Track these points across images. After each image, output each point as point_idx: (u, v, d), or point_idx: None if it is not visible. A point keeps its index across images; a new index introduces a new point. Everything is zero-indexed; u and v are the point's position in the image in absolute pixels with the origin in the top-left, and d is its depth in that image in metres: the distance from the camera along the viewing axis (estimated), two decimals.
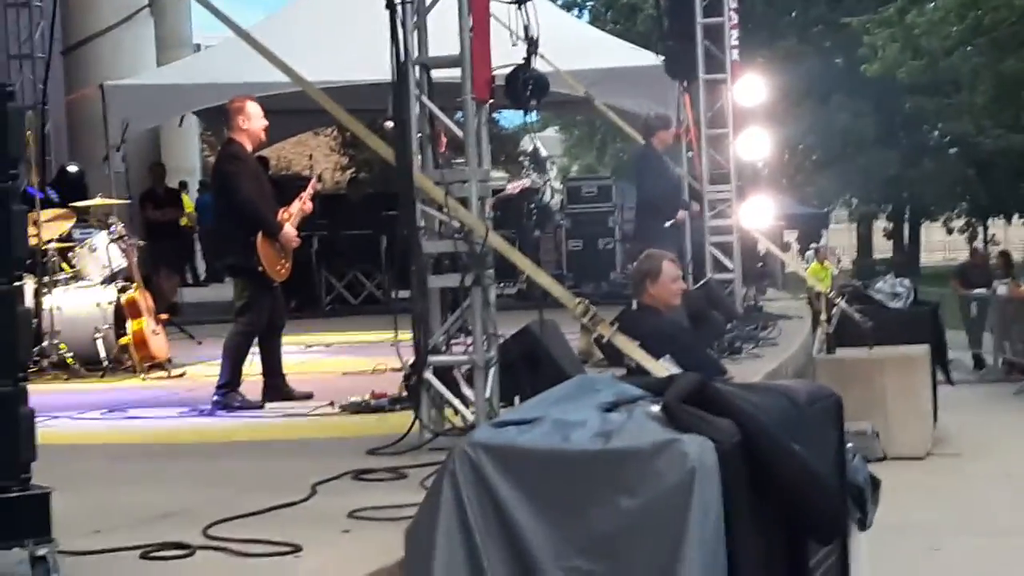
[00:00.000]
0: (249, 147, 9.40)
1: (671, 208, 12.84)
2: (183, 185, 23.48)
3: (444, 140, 8.13)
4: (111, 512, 5.78)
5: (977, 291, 24.02)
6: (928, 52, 33.98)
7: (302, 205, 9.61)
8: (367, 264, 18.27)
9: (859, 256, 49.97)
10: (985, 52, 34.26)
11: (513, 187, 15.86)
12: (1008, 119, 36.45)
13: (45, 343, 11.37)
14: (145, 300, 11.70)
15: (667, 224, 12.56)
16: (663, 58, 15.11)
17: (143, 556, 4.93)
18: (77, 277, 12.11)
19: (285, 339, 9.74)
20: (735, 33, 14.51)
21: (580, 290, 15.83)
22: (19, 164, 4.51)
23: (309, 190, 9.80)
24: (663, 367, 7.38)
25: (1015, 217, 52.39)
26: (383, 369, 10.32)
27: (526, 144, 42.86)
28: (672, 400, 4.31)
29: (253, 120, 9.34)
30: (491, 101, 7.29)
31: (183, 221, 21.60)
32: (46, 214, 12.12)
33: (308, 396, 9.40)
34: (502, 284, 15.90)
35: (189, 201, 22.57)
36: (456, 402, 7.17)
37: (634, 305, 8.96)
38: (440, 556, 4.15)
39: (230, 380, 9.17)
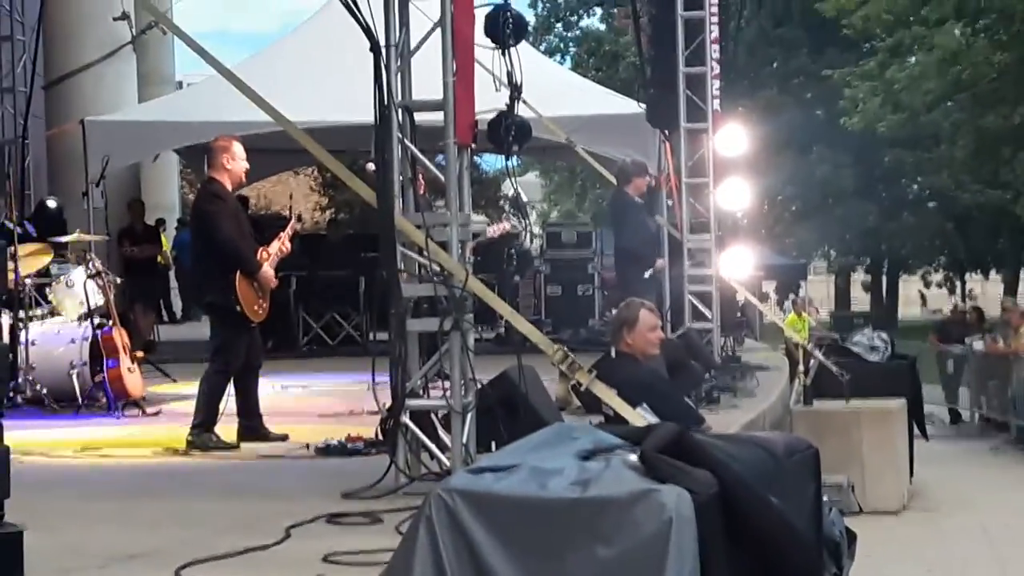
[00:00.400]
0: (230, 186, 9.39)
1: (649, 256, 12.86)
2: (160, 223, 23.44)
3: (423, 183, 8.12)
4: (83, 551, 5.73)
5: (955, 346, 24.10)
6: (908, 107, 34.20)
7: (281, 245, 9.60)
8: (345, 305, 18.22)
9: (837, 308, 50.07)
10: (965, 107, 34.49)
11: (493, 230, 15.84)
12: (987, 174, 36.68)
13: (20, 379, 11.29)
14: (121, 337, 11.64)
15: (645, 275, 12.57)
16: (644, 106, 15.15)
17: None
18: (53, 312, 12.05)
19: (261, 379, 9.69)
20: (717, 83, 14.56)
21: (558, 336, 15.82)
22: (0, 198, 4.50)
23: (288, 230, 9.79)
24: (640, 416, 7.37)
25: (992, 272, 52.61)
26: (360, 412, 10.28)
27: (506, 189, 42.92)
28: (650, 450, 4.30)
29: (238, 160, 9.34)
30: (473, 145, 7.30)
31: (159, 259, 21.55)
32: (24, 248, 12.06)
33: (283, 438, 9.36)
34: (481, 329, 15.82)
35: (166, 239, 22.53)
36: (433, 447, 7.14)
37: (612, 353, 8.94)
38: None
39: (205, 419, 9.12)
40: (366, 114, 7.34)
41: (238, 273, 9.08)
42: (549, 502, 4.15)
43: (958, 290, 54.44)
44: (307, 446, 8.87)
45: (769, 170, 38.17)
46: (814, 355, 14.47)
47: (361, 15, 6.93)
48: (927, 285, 54.83)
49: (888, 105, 34.59)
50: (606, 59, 50.10)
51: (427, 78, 7.40)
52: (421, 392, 7.34)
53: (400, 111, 7.26)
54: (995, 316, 26.27)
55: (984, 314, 26.93)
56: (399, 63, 7.28)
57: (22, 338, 11.43)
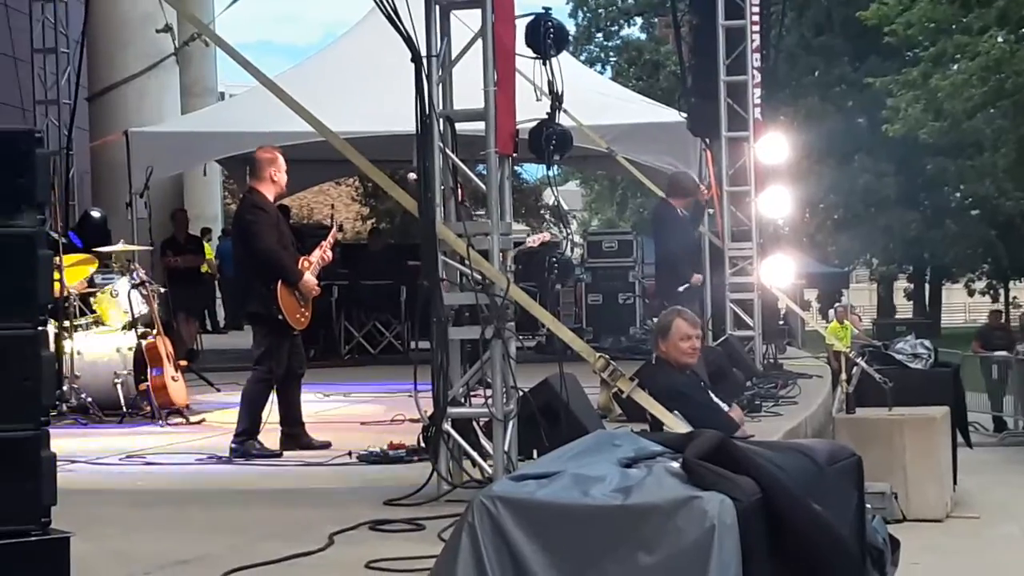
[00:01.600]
0: (271, 197, 9.45)
1: (687, 269, 12.81)
2: (205, 232, 23.58)
3: (463, 191, 8.16)
4: (129, 558, 5.78)
5: (998, 353, 23.96)
6: (951, 114, 34.02)
7: (322, 254, 9.64)
8: (386, 314, 18.30)
9: (879, 316, 49.84)
10: (1008, 115, 34.28)
11: (534, 240, 15.85)
12: None
13: (65, 387, 11.38)
14: (165, 346, 11.72)
15: (681, 288, 12.54)
16: (685, 115, 15.15)
17: None
18: (98, 322, 12.14)
19: (303, 388, 9.74)
20: (758, 91, 14.55)
21: (600, 345, 15.84)
22: (45, 209, 4.54)
23: (330, 239, 9.84)
24: (683, 423, 7.36)
25: None
26: (402, 420, 10.31)
27: (547, 197, 42.94)
28: (692, 457, 4.29)
29: (282, 171, 9.42)
30: (514, 155, 7.33)
31: (203, 268, 21.65)
32: (69, 259, 12.16)
33: (326, 445, 9.40)
34: (522, 337, 15.89)
35: (210, 249, 22.64)
36: (475, 454, 7.16)
37: (653, 360, 8.95)
38: None
39: (248, 428, 9.17)
40: (407, 124, 7.37)
41: (280, 282, 9.14)
42: (591, 509, 4.15)
43: (1001, 298, 54.06)
44: (349, 453, 8.90)
45: (811, 178, 38.13)
46: (857, 363, 14.41)
47: (402, 25, 6.97)
48: (970, 293, 54.48)
49: (930, 112, 34.43)
50: (647, 68, 50.10)
51: (468, 88, 7.43)
52: (463, 400, 7.36)
53: (441, 121, 7.29)
54: None
55: None
56: (440, 73, 7.31)
57: (67, 348, 11.52)
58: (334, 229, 10.27)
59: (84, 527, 5.11)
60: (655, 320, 9.92)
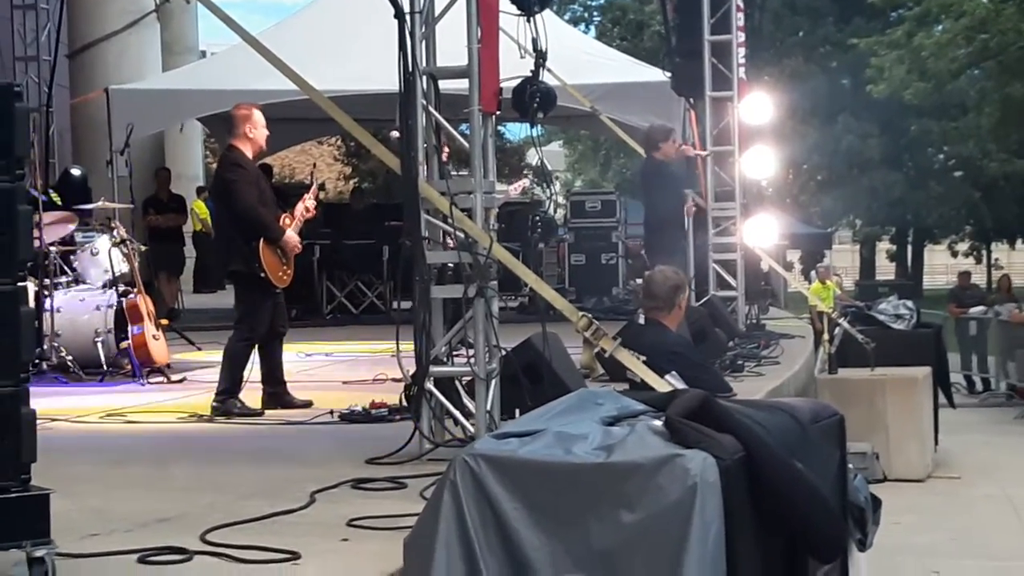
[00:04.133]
0: (250, 154, 9.37)
1: (679, 222, 12.71)
2: (201, 191, 23.51)
3: (447, 151, 8.11)
4: (109, 516, 5.76)
5: (974, 310, 24.05)
6: (935, 74, 34.02)
7: (303, 209, 9.58)
8: (369, 274, 18.29)
9: (862, 277, 49.96)
10: (992, 75, 34.31)
11: (514, 188, 15.82)
12: (1014, 143, 36.51)
13: (45, 346, 11.34)
14: (146, 305, 11.68)
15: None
16: (670, 75, 15.11)
17: (140, 560, 4.90)
18: (78, 280, 12.09)
19: (285, 347, 9.72)
20: (742, 51, 14.52)
21: (582, 305, 15.82)
22: (24, 164, 4.50)
23: (310, 195, 9.78)
24: (666, 382, 7.36)
25: (1019, 241, 52.40)
26: (384, 379, 10.30)
27: (530, 157, 42.89)
28: (674, 415, 4.29)
29: (259, 128, 9.33)
30: (498, 113, 7.29)
31: (197, 227, 21.60)
32: (49, 216, 12.10)
33: (308, 404, 9.38)
34: (505, 296, 15.90)
35: (205, 208, 22.49)
36: (457, 413, 7.15)
37: (640, 319, 8.93)
38: (439, 566, 4.13)
39: (230, 387, 9.15)
40: (391, 82, 7.32)
41: (261, 240, 9.10)
42: (573, 467, 4.15)
43: (984, 260, 54.23)
44: (331, 412, 8.88)
45: (794, 139, 38.13)
46: (839, 323, 14.44)
47: None
48: (954, 255, 54.63)
49: (914, 72, 34.43)
50: (631, 28, 49.96)
51: (452, 45, 7.38)
52: (445, 359, 7.34)
53: (425, 78, 7.24)
54: (1022, 285, 26.18)
55: (1011, 282, 26.87)
56: (424, 30, 7.25)
57: (47, 305, 11.48)
58: (314, 185, 10.21)
59: (64, 485, 5.09)
60: (638, 280, 9.90)
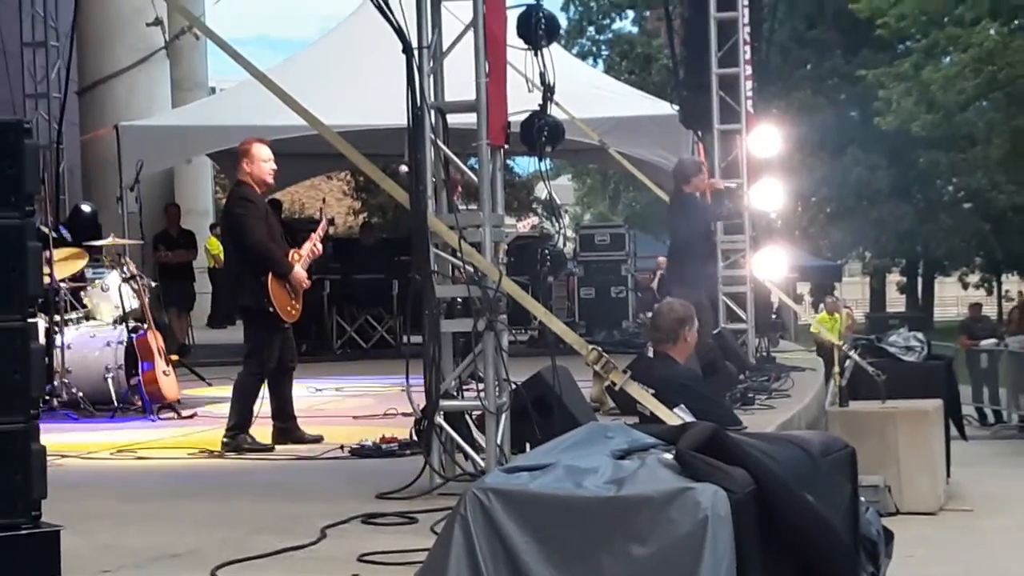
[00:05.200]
0: (259, 190, 9.40)
1: (702, 255, 12.53)
2: (214, 228, 23.54)
3: (459, 188, 8.13)
4: (120, 552, 5.75)
5: (986, 342, 24.01)
6: (943, 106, 34.06)
7: (312, 246, 9.61)
8: (378, 308, 18.29)
9: (872, 309, 49.87)
10: (1000, 107, 34.32)
11: (523, 224, 15.84)
12: (1022, 175, 36.47)
13: (56, 382, 11.35)
14: (156, 341, 11.69)
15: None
16: (678, 108, 15.12)
17: None
18: (89, 317, 12.11)
19: (295, 382, 9.71)
20: (750, 84, 14.54)
21: (592, 338, 15.80)
22: (34, 201, 4.51)
23: (319, 231, 9.80)
24: (676, 416, 7.35)
25: None
26: (394, 413, 10.29)
27: (539, 191, 42.93)
28: (685, 448, 4.28)
29: (256, 163, 9.30)
30: (506, 147, 7.30)
31: (211, 263, 21.62)
32: (59, 253, 12.13)
33: (318, 439, 9.37)
34: (514, 330, 15.86)
35: (219, 244, 22.50)
36: (467, 448, 7.14)
37: (649, 352, 8.92)
38: None
39: (240, 422, 9.14)
40: (399, 117, 7.34)
41: (270, 275, 9.11)
42: (584, 500, 4.14)
43: (995, 291, 54.13)
44: (342, 447, 8.88)
45: (803, 171, 38.15)
46: (850, 356, 14.41)
47: (393, 17, 6.93)
48: (964, 287, 54.53)
49: (923, 105, 34.48)
50: (639, 62, 50.09)
51: (460, 80, 7.40)
52: (455, 393, 7.34)
53: (433, 112, 7.26)
54: None
55: (1022, 313, 26.84)
56: (432, 64, 7.28)
57: (57, 342, 11.49)
58: (323, 222, 10.23)
59: (75, 521, 5.08)
60: (647, 313, 9.88)
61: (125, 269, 12.05)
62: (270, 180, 9.50)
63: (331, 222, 11.42)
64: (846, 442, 5.34)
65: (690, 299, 9.39)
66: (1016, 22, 32.93)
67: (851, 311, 31.35)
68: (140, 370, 11.48)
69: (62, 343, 11.53)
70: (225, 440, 9.11)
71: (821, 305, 31.56)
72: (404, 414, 9.00)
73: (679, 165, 12.76)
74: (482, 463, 6.98)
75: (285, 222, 12.74)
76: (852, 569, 4.84)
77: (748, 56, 14.54)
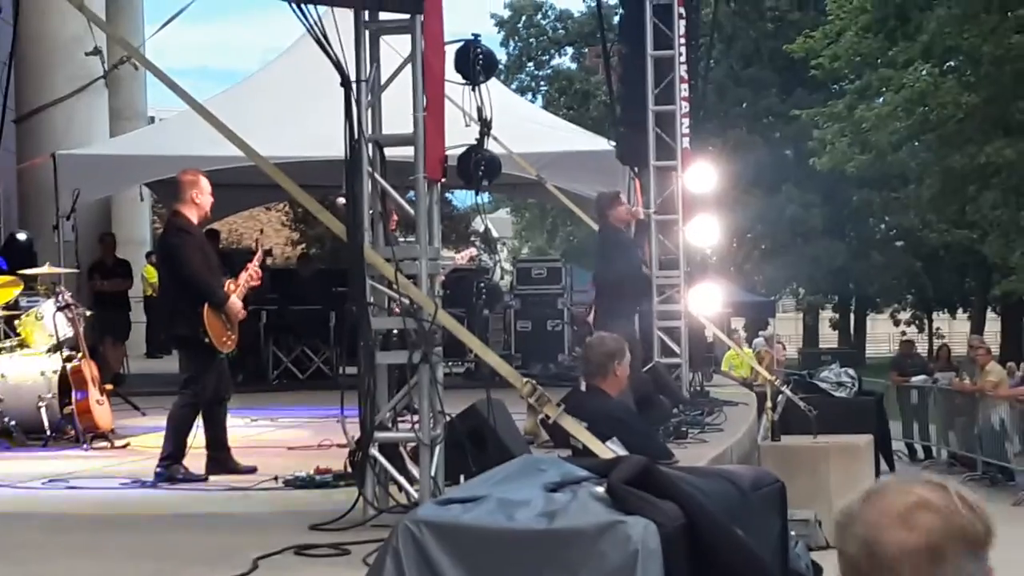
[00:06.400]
0: (196, 220, 9.42)
1: (631, 290, 12.67)
2: (148, 256, 23.43)
3: (395, 218, 8.17)
4: None
5: (916, 379, 24.24)
6: (876, 146, 34.46)
7: (247, 276, 9.62)
8: (315, 339, 18.28)
9: (805, 345, 50.23)
10: (932, 147, 34.75)
11: (461, 256, 15.89)
12: (953, 214, 36.93)
13: None
14: (90, 370, 11.63)
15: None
16: (615, 144, 15.24)
17: None
18: (22, 345, 12.03)
19: (231, 413, 9.70)
20: (686, 121, 14.67)
21: (528, 371, 15.84)
22: None
23: (255, 261, 9.82)
24: (608, 449, 7.40)
25: (959, 311, 52.89)
26: (329, 444, 10.28)
27: (477, 225, 43.03)
28: (617, 482, 4.33)
29: (204, 195, 9.38)
30: (443, 180, 7.35)
31: (147, 292, 21.50)
32: None
33: (252, 470, 9.35)
34: (450, 362, 15.92)
35: (155, 272, 22.41)
36: (401, 479, 7.15)
37: (582, 386, 8.97)
38: None
39: (173, 452, 9.11)
40: (337, 149, 7.38)
41: (206, 305, 9.11)
42: (516, 533, 4.18)
43: (926, 329, 54.68)
44: (276, 478, 8.87)
45: (738, 208, 38.48)
46: (782, 391, 14.54)
47: (332, 50, 6.97)
48: (896, 323, 55.07)
49: (856, 145, 34.89)
50: (577, 98, 50.41)
51: (397, 113, 7.45)
52: (390, 425, 7.35)
53: (370, 145, 7.31)
54: (963, 354, 26.41)
55: (950, 351, 27.13)
56: (369, 98, 7.32)
57: None
58: (259, 252, 10.24)
59: (5, 551, 5.07)
60: (580, 348, 9.94)
61: (60, 298, 11.99)
62: (209, 213, 9.57)
63: (268, 253, 11.43)
64: (776, 477, 5.42)
65: (622, 333, 9.48)
66: (948, 64, 33.39)
67: (783, 346, 31.51)
68: (73, 399, 11.41)
69: None
70: (159, 470, 9.07)
71: (755, 341, 31.75)
72: (339, 445, 8.99)
73: (597, 199, 12.90)
74: (416, 495, 6.99)
75: (223, 252, 12.72)
76: None
77: (684, 93, 14.67)
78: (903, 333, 49.12)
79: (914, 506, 2.22)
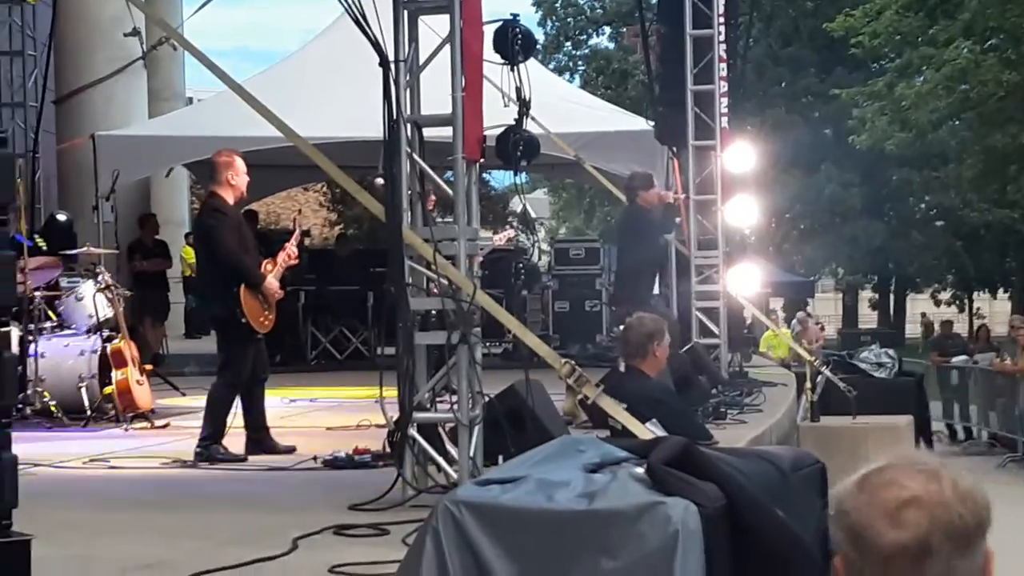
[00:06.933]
0: (232, 201, 9.43)
1: (651, 271, 12.70)
2: (188, 237, 23.51)
3: (433, 199, 8.16)
4: (91, 562, 5.75)
5: (957, 359, 24.11)
6: (916, 125, 34.23)
7: (285, 255, 9.63)
8: (353, 320, 18.32)
9: (844, 326, 50.05)
10: (972, 126, 34.50)
11: (499, 238, 15.87)
12: (994, 193, 36.69)
13: (29, 391, 11.32)
14: (130, 350, 11.68)
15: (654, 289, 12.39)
16: (653, 124, 15.17)
17: None
18: (63, 326, 12.08)
19: (269, 392, 9.72)
20: (725, 101, 14.58)
21: (566, 352, 15.82)
22: (8, 209, 4.52)
23: (293, 241, 9.83)
24: (648, 430, 7.38)
25: (1000, 291, 52.56)
26: (367, 425, 10.30)
27: (515, 205, 42.99)
28: (657, 463, 4.30)
29: (240, 175, 9.39)
30: (482, 160, 7.33)
31: (187, 272, 21.58)
32: (33, 262, 12.10)
33: (291, 450, 9.38)
34: (488, 343, 15.90)
35: (191, 252, 22.48)
36: (440, 460, 7.15)
37: (621, 367, 8.95)
38: None
39: (213, 432, 9.15)
40: (376, 130, 7.37)
41: (243, 286, 9.12)
42: (555, 514, 4.16)
43: (966, 309, 54.35)
44: (314, 458, 8.88)
45: (777, 188, 38.29)
46: (821, 371, 14.46)
47: (370, 30, 6.96)
48: (936, 304, 54.77)
49: (896, 124, 34.65)
50: (615, 77, 50.21)
51: (436, 93, 7.44)
52: (428, 405, 7.36)
53: (409, 126, 7.30)
54: (1003, 334, 26.26)
55: (990, 332, 26.97)
56: (408, 78, 7.31)
57: (31, 350, 11.46)
58: (297, 232, 10.25)
59: (46, 531, 5.08)
60: (621, 327, 9.90)
61: (100, 278, 12.04)
62: (245, 193, 9.59)
63: (306, 233, 11.46)
64: (816, 458, 5.37)
65: (657, 313, 9.45)
66: (989, 42, 33.12)
67: (822, 326, 31.42)
68: (113, 379, 11.46)
69: (36, 352, 11.51)
70: (198, 450, 9.11)
71: (793, 321, 31.66)
72: (377, 426, 9.01)
73: (629, 180, 12.89)
74: (454, 475, 7.00)
75: (260, 233, 12.75)
76: None
77: (723, 73, 14.58)
78: (924, 315, 48.94)
79: (904, 503, 2.22)
